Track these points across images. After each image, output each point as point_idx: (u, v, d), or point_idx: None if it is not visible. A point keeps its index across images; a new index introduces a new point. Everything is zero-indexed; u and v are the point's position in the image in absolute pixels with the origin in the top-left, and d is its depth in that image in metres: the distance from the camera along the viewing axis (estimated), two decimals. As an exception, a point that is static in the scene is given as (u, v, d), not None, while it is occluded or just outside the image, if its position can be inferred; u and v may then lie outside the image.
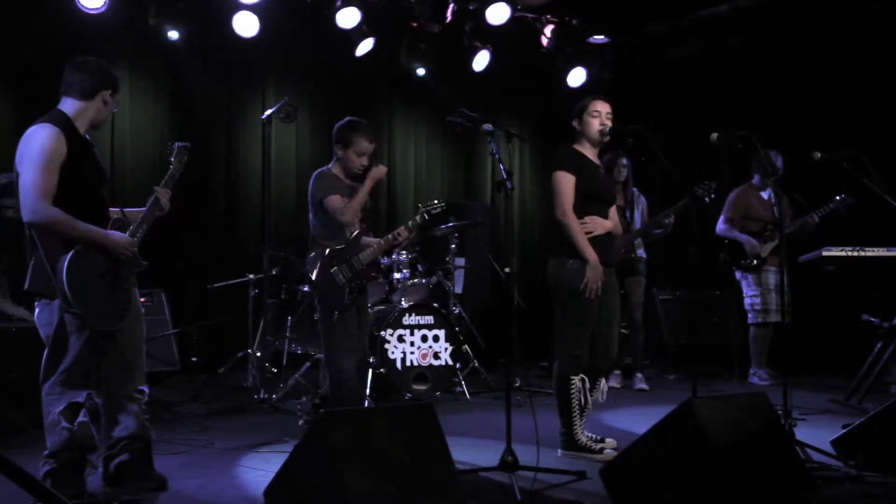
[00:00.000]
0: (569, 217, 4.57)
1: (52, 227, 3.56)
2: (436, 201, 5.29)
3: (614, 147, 6.21)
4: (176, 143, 4.12)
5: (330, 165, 5.13)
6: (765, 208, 7.23)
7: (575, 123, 4.77)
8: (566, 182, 4.60)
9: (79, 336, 3.64)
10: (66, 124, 3.70)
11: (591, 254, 4.52)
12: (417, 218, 5.20)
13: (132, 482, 3.86)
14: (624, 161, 7.01)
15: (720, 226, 7.33)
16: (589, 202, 4.65)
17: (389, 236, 5.15)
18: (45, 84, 7.13)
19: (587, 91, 8.87)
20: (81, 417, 3.67)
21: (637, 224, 7.08)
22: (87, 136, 3.88)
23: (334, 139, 5.09)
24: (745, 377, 7.31)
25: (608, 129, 4.68)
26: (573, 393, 4.59)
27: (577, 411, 4.60)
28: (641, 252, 7.17)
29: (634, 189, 7.19)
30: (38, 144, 3.59)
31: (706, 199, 5.99)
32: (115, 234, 3.69)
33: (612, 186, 4.83)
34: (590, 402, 4.72)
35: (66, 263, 3.50)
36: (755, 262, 7.13)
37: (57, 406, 3.64)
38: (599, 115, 4.70)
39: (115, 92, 3.91)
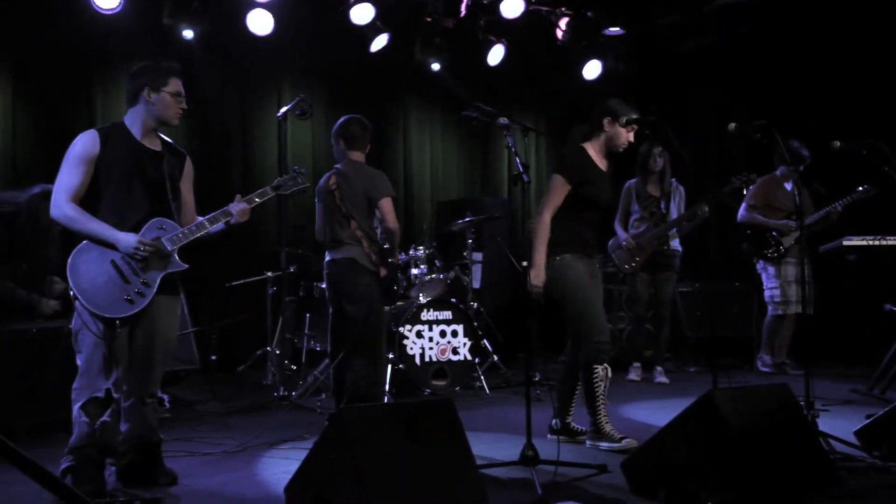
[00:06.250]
0: (542, 221, 4.58)
1: (67, 223, 3.75)
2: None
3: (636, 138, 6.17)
4: (294, 167, 4.36)
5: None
6: (787, 199, 7.15)
7: (606, 122, 4.66)
8: (559, 188, 4.58)
9: (91, 324, 3.68)
10: (112, 129, 3.89)
11: (539, 259, 4.53)
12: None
13: (141, 478, 3.91)
14: (658, 150, 6.94)
15: (741, 213, 7.26)
16: (583, 208, 4.63)
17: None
18: (61, 85, 7.26)
19: (603, 83, 8.87)
20: (105, 417, 3.71)
21: (673, 215, 6.95)
22: (160, 144, 3.98)
23: (361, 141, 5.31)
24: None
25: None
26: (596, 381, 4.59)
27: (602, 400, 4.61)
28: (676, 244, 7.04)
29: (673, 180, 7.08)
30: (71, 146, 3.82)
31: (744, 190, 5.93)
32: (123, 235, 3.73)
33: (610, 194, 4.78)
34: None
35: (74, 250, 3.71)
36: (781, 249, 7.05)
37: (78, 401, 3.71)
38: (633, 130, 4.67)
39: (154, 88, 3.86)
